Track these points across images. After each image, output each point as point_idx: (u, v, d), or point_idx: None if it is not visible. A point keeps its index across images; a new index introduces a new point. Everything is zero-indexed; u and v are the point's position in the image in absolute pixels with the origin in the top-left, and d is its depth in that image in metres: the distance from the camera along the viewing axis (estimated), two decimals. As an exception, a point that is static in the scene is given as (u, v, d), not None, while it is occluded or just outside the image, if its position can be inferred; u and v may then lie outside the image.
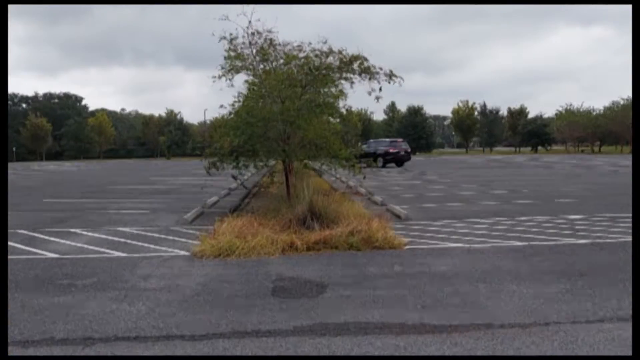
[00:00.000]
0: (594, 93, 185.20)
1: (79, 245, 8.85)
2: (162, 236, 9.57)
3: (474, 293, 5.61)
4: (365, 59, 11.87)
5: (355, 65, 11.83)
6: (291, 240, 8.16)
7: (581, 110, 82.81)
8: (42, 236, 9.73)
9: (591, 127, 75.62)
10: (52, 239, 9.45)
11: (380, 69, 11.77)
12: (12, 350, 4.22)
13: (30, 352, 4.21)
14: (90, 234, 9.97)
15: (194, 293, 5.82)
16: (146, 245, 8.73)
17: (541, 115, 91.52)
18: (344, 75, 12.33)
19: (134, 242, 9.00)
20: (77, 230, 10.34)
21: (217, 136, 17.55)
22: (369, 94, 12.21)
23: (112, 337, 4.46)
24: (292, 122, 12.10)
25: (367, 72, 11.80)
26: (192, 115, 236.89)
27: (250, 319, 4.86)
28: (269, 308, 5.22)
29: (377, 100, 12.29)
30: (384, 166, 36.00)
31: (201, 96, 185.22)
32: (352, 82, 12.47)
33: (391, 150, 36.74)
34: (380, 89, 11.77)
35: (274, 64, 12.87)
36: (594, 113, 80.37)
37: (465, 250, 7.94)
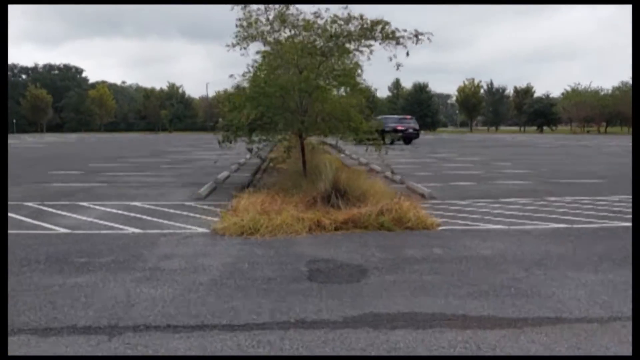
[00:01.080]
0: (599, 74, 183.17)
1: (89, 219, 8.35)
2: (177, 212, 9.06)
3: (533, 281, 5.11)
4: (387, 23, 11.12)
5: (378, 31, 11.10)
6: (318, 219, 7.64)
7: (589, 90, 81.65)
8: (50, 209, 9.22)
9: (599, 107, 74.69)
10: (61, 212, 8.95)
11: (405, 30, 11.03)
12: (30, 340, 3.73)
13: (51, 341, 3.72)
14: (100, 208, 9.46)
15: (223, 276, 5.32)
16: (162, 221, 8.23)
17: (548, 95, 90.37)
18: (364, 43, 11.62)
19: (147, 218, 8.49)
20: (86, 204, 9.83)
21: (227, 109, 16.92)
22: (390, 59, 11.47)
23: (142, 326, 3.97)
24: (310, 92, 11.51)
25: (391, 37, 11.05)
26: (194, 89, 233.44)
27: (292, 307, 4.36)
28: (310, 295, 4.72)
29: (398, 68, 11.60)
30: (392, 143, 35.33)
31: (203, 71, 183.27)
32: (370, 52, 11.76)
33: (399, 128, 36.01)
34: (408, 54, 11.07)
35: (292, 31, 12.17)
36: (602, 93, 79.29)
37: (504, 232, 7.43)
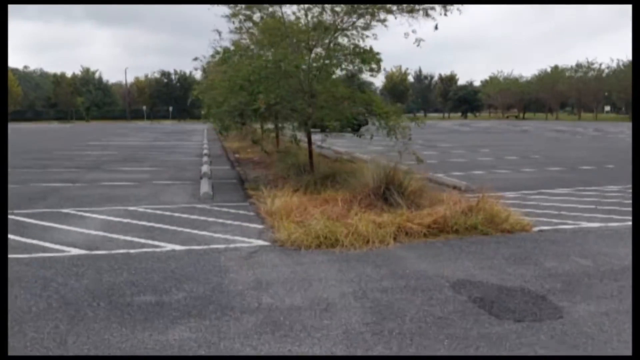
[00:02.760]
0: (509, 63, 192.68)
1: (94, 232, 6.47)
2: (199, 218, 7.34)
3: None
4: None
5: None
6: (399, 223, 6.29)
7: (510, 77, 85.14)
8: (29, 220, 7.16)
9: (520, 94, 78.12)
10: (48, 224, 6.94)
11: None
12: None
13: None
14: (95, 215, 7.51)
15: (371, 315, 3.86)
16: (194, 231, 6.51)
17: (471, 82, 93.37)
18: (378, 17, 10.24)
19: (170, 227, 6.73)
20: (72, 211, 7.81)
21: (208, 97, 15.00)
22: (406, 36, 10.12)
23: None
24: (321, 77, 10.10)
25: (417, 8, 9.70)
26: (107, 75, 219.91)
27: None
28: (513, 341, 3.41)
29: (419, 44, 10.19)
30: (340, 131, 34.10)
31: (114, 56, 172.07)
32: (385, 26, 10.41)
33: None
34: (437, 27, 9.73)
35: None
36: (522, 81, 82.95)
37: (613, 231, 6.47)
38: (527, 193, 9.26)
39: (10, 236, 6.22)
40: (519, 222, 6.59)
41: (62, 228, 6.74)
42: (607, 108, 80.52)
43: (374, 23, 10.41)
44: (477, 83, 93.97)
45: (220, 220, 7.17)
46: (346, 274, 4.81)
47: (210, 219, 7.26)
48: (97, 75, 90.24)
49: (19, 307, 4.02)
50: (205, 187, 9.67)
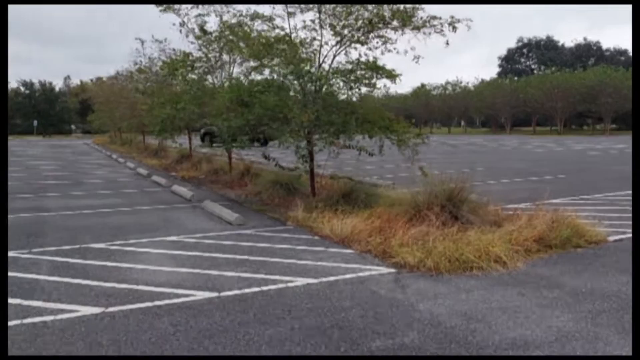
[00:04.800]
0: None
1: (176, 269, 5.57)
2: (271, 245, 6.63)
3: None
4: (420, 8, 9.73)
5: (418, 17, 9.63)
6: (509, 240, 6.19)
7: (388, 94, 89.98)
8: (73, 261, 5.94)
9: (395, 110, 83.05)
10: (100, 263, 5.82)
11: (440, 18, 9.77)
12: None
13: None
14: (142, 249, 6.47)
15: None
16: (292, 261, 5.87)
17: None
18: (378, 33, 10.14)
19: (257, 258, 5.99)
20: (105, 246, 6.65)
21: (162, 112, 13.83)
22: (406, 52, 10.11)
23: None
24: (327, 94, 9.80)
25: (429, 24, 9.68)
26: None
27: None
28: None
29: (418, 60, 10.19)
30: (265, 144, 32.44)
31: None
32: (384, 43, 10.31)
33: None
34: (448, 43, 9.78)
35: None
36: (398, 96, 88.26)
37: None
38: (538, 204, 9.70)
39: (87, 282, 5.09)
40: (599, 233, 6.90)
41: (126, 267, 5.67)
42: (462, 122, 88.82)
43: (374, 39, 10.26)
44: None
45: (299, 247, 6.55)
46: (534, 299, 4.63)
47: (286, 246, 6.60)
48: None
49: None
50: (224, 211, 8.79)
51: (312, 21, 9.81)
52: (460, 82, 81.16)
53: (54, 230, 7.71)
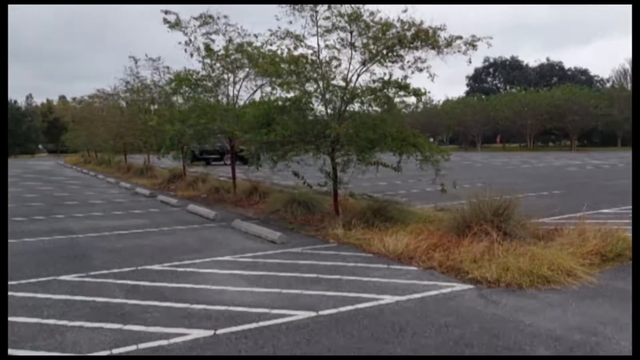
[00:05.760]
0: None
1: (249, 289, 5.48)
2: (331, 263, 6.61)
3: None
4: (441, 28, 9.93)
5: (442, 38, 9.81)
6: (573, 253, 6.36)
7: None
8: (145, 284, 5.78)
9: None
10: (172, 285, 5.68)
11: (460, 37, 10.00)
12: None
13: None
14: (203, 270, 6.34)
15: None
16: (364, 279, 5.85)
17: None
18: (397, 53, 10.32)
19: (325, 276, 5.95)
20: (166, 268, 6.49)
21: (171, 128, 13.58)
22: (420, 70, 10.33)
23: None
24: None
25: (452, 44, 9.88)
26: None
27: None
28: None
29: (433, 79, 10.37)
30: (208, 163, 31.88)
31: None
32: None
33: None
34: (470, 61, 10.02)
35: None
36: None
37: None
38: (566, 217, 9.97)
39: (172, 304, 4.96)
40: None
41: (202, 288, 5.57)
42: (431, 139, 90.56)
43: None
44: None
45: (360, 265, 6.54)
46: (628, 311, 4.74)
47: (349, 264, 6.57)
48: None
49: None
50: (264, 230, 8.70)
51: (342, 39, 9.91)
52: (432, 100, 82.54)
53: (95, 252, 7.48)
